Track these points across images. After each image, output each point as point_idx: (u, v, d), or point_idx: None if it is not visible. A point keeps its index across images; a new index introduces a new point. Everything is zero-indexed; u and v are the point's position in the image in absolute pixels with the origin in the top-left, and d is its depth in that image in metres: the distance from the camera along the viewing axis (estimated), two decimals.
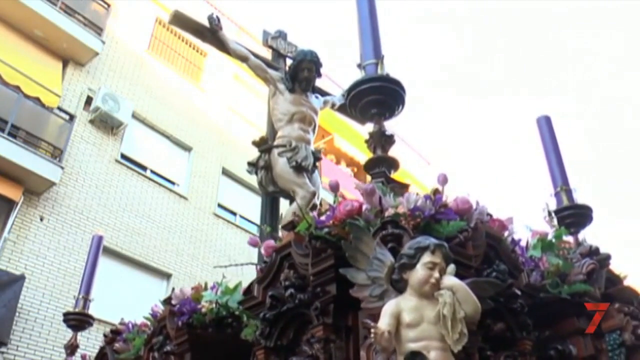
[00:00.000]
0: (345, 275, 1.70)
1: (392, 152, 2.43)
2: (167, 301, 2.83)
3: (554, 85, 37.18)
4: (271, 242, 2.15)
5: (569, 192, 2.93)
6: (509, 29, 40.14)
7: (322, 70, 3.94)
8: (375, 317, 1.57)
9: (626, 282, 2.48)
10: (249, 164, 3.76)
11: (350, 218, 1.77)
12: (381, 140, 2.34)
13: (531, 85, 38.69)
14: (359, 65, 2.54)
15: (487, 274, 1.81)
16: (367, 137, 2.43)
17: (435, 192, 1.83)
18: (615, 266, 2.55)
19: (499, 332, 1.84)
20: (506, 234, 2.10)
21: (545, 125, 3.23)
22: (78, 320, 3.86)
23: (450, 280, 1.55)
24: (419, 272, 1.56)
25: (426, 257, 1.57)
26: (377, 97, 2.40)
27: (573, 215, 2.85)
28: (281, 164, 3.52)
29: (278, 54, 4.27)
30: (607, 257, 2.49)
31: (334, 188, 1.90)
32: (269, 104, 3.95)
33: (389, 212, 1.73)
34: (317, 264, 1.86)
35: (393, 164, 2.32)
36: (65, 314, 3.96)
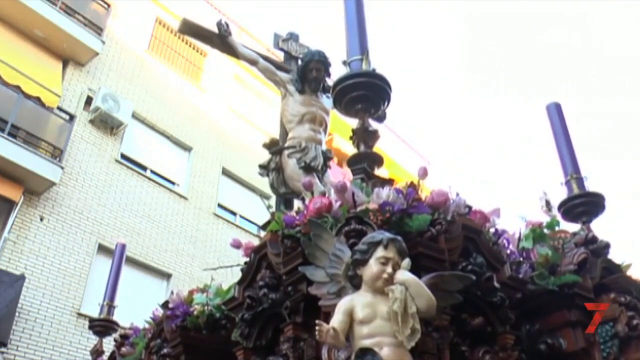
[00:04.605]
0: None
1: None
2: (165, 305, 2.84)
3: (554, 84, 37.04)
4: (251, 243, 2.13)
5: (579, 181, 2.81)
6: (510, 25, 40.03)
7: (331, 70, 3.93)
8: None
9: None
10: (261, 166, 3.74)
11: (318, 216, 1.73)
12: (364, 136, 2.31)
13: (534, 83, 38.54)
14: (344, 62, 2.51)
15: (462, 267, 1.76)
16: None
17: (411, 185, 1.80)
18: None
19: (477, 326, 1.80)
20: (488, 226, 2.04)
21: (556, 113, 3.11)
22: (103, 327, 3.92)
23: (403, 275, 1.52)
24: (371, 268, 1.54)
25: (379, 252, 1.54)
26: (361, 93, 2.36)
27: (584, 204, 2.72)
28: (291, 165, 3.52)
29: (289, 56, 4.25)
30: (606, 246, 2.38)
31: (307, 187, 1.88)
32: (281, 106, 3.95)
33: (362, 208, 1.70)
34: (287, 263, 1.84)
35: (376, 160, 2.29)
36: (91, 320, 4.02)
